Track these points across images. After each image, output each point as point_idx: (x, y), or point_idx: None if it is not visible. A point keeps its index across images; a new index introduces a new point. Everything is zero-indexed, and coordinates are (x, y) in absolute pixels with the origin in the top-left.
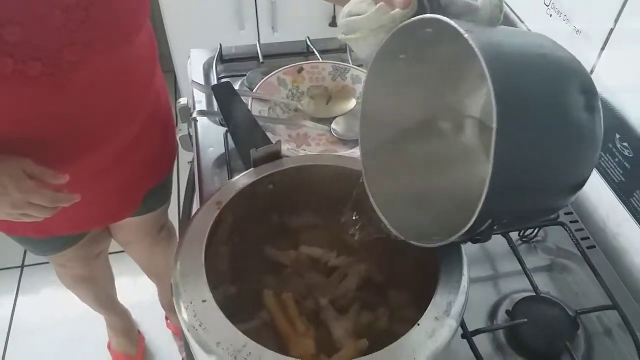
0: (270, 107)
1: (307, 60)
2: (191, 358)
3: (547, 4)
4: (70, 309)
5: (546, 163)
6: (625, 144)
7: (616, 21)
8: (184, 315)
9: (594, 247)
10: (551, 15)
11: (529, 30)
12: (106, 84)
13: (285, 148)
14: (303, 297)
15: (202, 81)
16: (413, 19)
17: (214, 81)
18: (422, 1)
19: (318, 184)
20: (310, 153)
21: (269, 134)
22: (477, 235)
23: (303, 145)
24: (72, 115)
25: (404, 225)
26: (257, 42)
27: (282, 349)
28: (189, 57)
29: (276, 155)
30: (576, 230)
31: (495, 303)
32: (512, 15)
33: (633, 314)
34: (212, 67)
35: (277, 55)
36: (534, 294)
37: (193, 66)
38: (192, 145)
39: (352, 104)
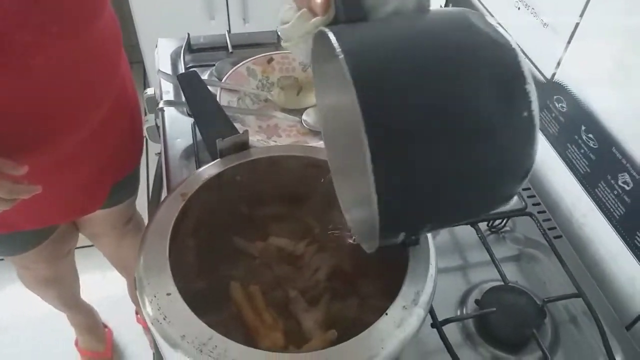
0: (240, 97)
1: (277, 51)
2: (159, 353)
3: None
4: (38, 306)
5: (449, 176)
6: (590, 135)
7: (581, 15)
8: (148, 309)
9: (561, 236)
10: (519, 8)
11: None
12: (66, 69)
13: (255, 139)
14: (272, 289)
15: (169, 71)
16: (309, 33)
17: (182, 71)
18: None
19: (286, 175)
20: (281, 144)
21: (238, 125)
22: (402, 243)
23: (273, 137)
24: (33, 102)
25: (363, 226)
26: (227, 32)
27: (250, 342)
28: (156, 46)
29: (243, 146)
30: (543, 220)
31: (464, 292)
32: (481, 8)
33: (597, 301)
34: (180, 56)
35: (247, 46)
36: (502, 283)
37: (160, 56)
38: (160, 136)
39: None
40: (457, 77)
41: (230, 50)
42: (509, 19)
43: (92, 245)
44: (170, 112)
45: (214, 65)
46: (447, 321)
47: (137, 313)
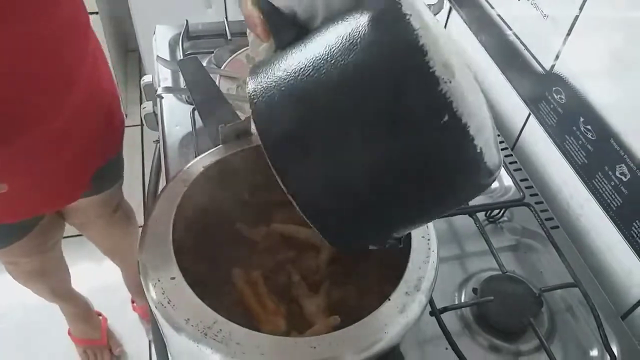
0: (239, 85)
1: None
2: (159, 339)
3: None
4: (29, 294)
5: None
6: (589, 127)
7: (581, 8)
8: (152, 294)
9: (558, 227)
10: (520, 0)
11: (499, 15)
12: (29, 52)
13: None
14: (274, 274)
15: (167, 58)
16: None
17: (180, 58)
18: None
19: None
20: None
21: (237, 112)
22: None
23: None
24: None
25: None
26: (225, 19)
27: (253, 328)
28: (154, 33)
29: (245, 132)
30: (541, 211)
31: (462, 281)
32: (482, 1)
33: (593, 291)
34: (178, 43)
35: (245, 33)
36: (499, 273)
37: (158, 42)
38: (157, 123)
39: None
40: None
41: (229, 37)
42: (510, 11)
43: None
44: (168, 100)
45: (212, 52)
46: (445, 309)
47: (132, 302)
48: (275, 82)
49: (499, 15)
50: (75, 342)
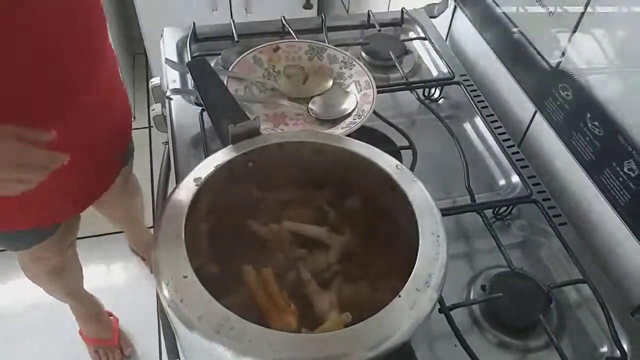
0: (246, 86)
1: (282, 40)
2: (170, 338)
3: None
4: (41, 296)
5: None
6: (596, 123)
7: (587, 5)
8: (165, 292)
9: (565, 223)
10: None
11: (503, 12)
12: (56, 21)
13: (263, 128)
14: (284, 272)
15: (175, 60)
16: None
17: (188, 60)
18: None
19: (297, 160)
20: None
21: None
22: None
23: (280, 125)
24: (37, 62)
25: None
26: (232, 21)
27: (264, 326)
28: (162, 35)
29: (255, 132)
30: (548, 208)
31: (471, 279)
32: None
33: (602, 287)
34: (186, 45)
35: (252, 35)
36: (508, 269)
37: (166, 45)
38: (166, 125)
39: (329, 83)
40: None
41: (236, 39)
42: (515, 8)
43: (94, 236)
44: (177, 101)
45: (219, 54)
46: (454, 306)
47: (143, 259)
48: None
49: (503, 13)
50: (86, 342)
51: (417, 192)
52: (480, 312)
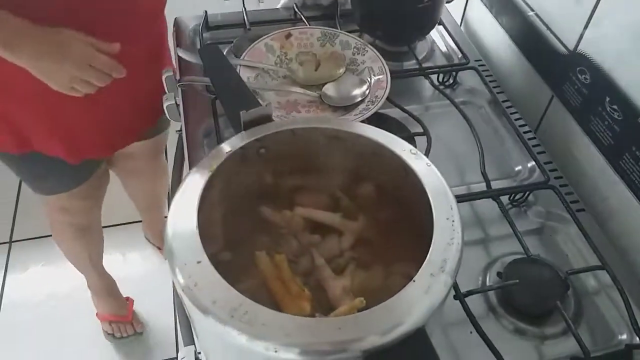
0: (258, 73)
1: (294, 27)
2: (185, 323)
3: None
4: (59, 285)
5: None
6: (615, 107)
7: None
8: (179, 278)
9: (583, 210)
10: None
11: None
12: None
13: (275, 115)
14: (298, 257)
15: (187, 49)
16: None
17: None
18: None
19: (310, 146)
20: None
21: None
22: None
23: (293, 112)
24: None
25: None
26: (244, 8)
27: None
28: (174, 24)
29: (267, 118)
30: (566, 194)
31: (486, 265)
32: None
33: (621, 273)
34: (198, 34)
35: (264, 22)
36: (524, 256)
37: (178, 34)
38: (180, 114)
39: (342, 69)
40: None
41: (248, 27)
42: None
43: (111, 226)
44: (190, 90)
45: (231, 42)
46: (470, 293)
47: (159, 248)
48: None
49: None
50: (101, 319)
51: (432, 177)
52: (496, 298)
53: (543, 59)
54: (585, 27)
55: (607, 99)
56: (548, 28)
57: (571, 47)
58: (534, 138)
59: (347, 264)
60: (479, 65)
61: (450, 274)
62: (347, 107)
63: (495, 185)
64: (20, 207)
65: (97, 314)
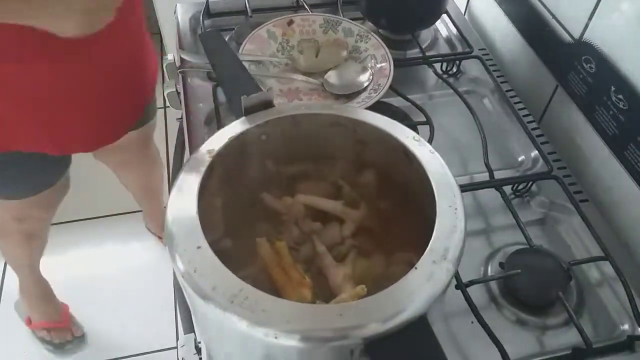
0: (260, 60)
1: (296, 13)
2: (185, 310)
3: None
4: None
5: None
6: (620, 97)
7: None
8: (178, 263)
9: (587, 200)
10: None
11: None
12: None
13: (277, 102)
14: (299, 245)
15: (188, 36)
16: None
17: None
18: None
19: (312, 133)
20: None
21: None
22: None
23: (294, 100)
24: None
25: None
26: None
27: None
28: (175, 11)
29: (268, 104)
30: (569, 184)
31: (489, 255)
32: None
33: (624, 265)
34: (199, 21)
35: (266, 9)
36: (527, 246)
37: (179, 21)
38: (180, 102)
39: (343, 54)
40: None
41: (250, 14)
42: None
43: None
44: (190, 77)
45: (233, 29)
46: (472, 283)
47: (160, 238)
48: None
49: None
50: (35, 328)
51: (435, 164)
52: (498, 289)
53: (548, 47)
54: (591, 15)
55: (613, 88)
56: (553, 16)
57: (576, 35)
58: (538, 128)
59: (349, 251)
60: (482, 54)
61: (453, 261)
62: (349, 95)
63: (498, 175)
64: None
65: (27, 322)
